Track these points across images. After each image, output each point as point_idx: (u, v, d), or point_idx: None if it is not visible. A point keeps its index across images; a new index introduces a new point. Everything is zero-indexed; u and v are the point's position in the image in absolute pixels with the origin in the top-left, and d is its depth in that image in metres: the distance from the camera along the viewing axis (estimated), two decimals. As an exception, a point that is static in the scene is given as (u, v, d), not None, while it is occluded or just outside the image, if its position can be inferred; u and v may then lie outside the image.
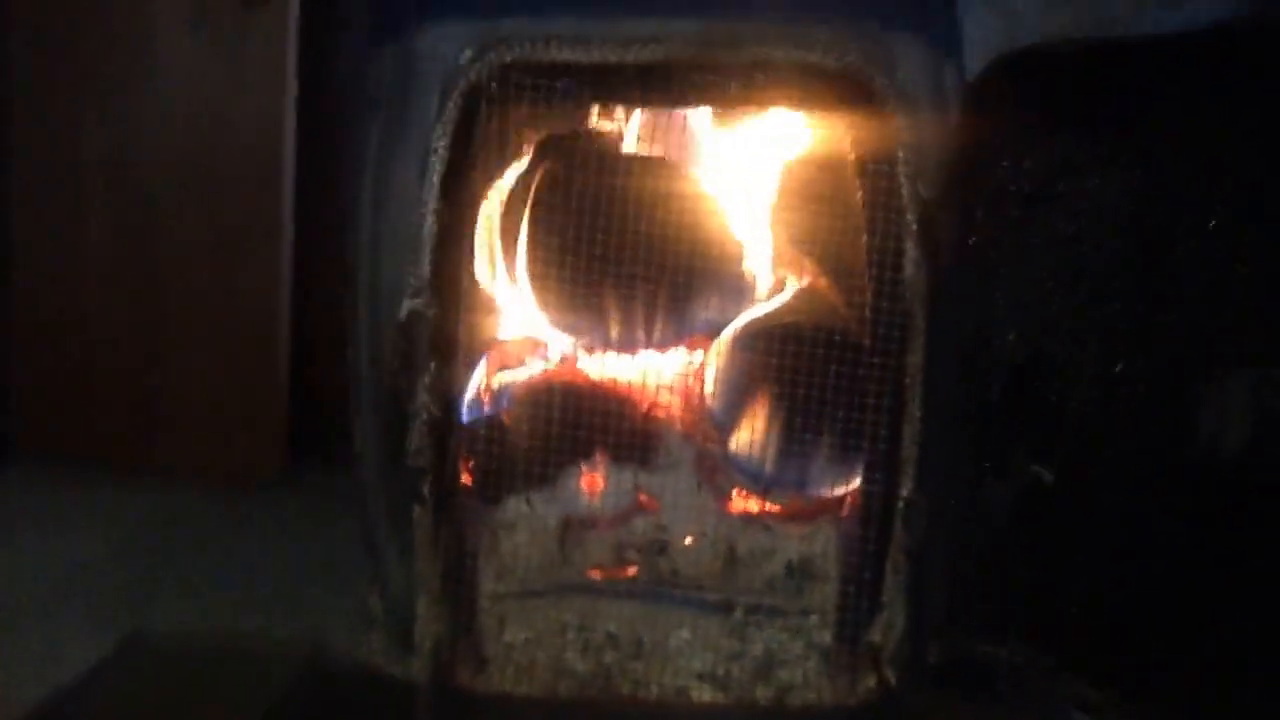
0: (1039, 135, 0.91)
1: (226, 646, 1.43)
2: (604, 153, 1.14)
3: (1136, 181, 0.84)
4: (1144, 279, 0.83)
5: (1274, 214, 0.74)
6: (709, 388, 1.23)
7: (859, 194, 1.04)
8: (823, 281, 1.17)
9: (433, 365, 1.02)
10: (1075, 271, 0.89)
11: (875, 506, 1.05)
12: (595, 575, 1.17)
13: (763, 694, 1.10)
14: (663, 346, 1.23)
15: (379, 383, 1.03)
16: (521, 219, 1.17)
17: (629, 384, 1.24)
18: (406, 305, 1.00)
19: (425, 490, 1.03)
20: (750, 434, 1.19)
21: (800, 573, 1.15)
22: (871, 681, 1.03)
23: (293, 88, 2.33)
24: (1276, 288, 0.73)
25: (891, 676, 1.02)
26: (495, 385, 1.22)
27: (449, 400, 1.03)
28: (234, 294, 2.52)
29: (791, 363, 1.11)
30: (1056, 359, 0.91)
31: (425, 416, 1.02)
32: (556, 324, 1.22)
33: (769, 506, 1.21)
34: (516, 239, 1.17)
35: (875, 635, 1.05)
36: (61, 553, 2.01)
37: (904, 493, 1.03)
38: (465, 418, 1.15)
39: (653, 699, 1.10)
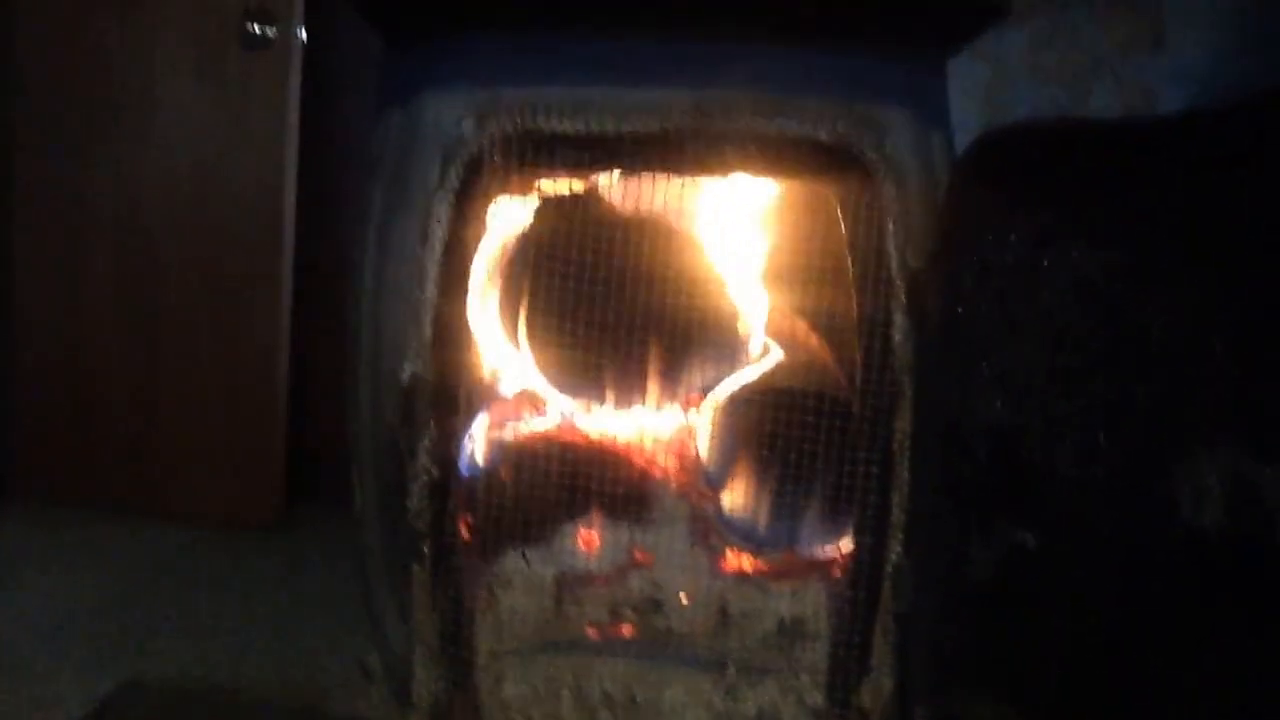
0: (1023, 209, 0.93)
1: (224, 695, 1.43)
2: (602, 218, 1.16)
3: (1114, 257, 0.86)
4: (1122, 353, 0.85)
5: (1246, 293, 0.76)
6: (702, 448, 1.25)
7: (849, 262, 1.06)
8: (815, 346, 1.20)
9: (433, 427, 1.03)
10: (1057, 343, 0.90)
11: (864, 569, 1.06)
12: (591, 633, 1.18)
13: None
14: (657, 406, 1.25)
15: (379, 443, 1.04)
16: (521, 280, 1.20)
17: (625, 443, 1.25)
18: (408, 368, 1.02)
19: (424, 550, 1.04)
20: (742, 494, 1.21)
21: (792, 631, 1.16)
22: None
23: (294, 139, 2.36)
24: (1250, 366, 0.75)
25: (881, 738, 1.03)
26: (494, 442, 1.24)
27: (448, 462, 1.05)
28: (234, 341, 2.54)
29: (783, 426, 1.13)
30: (1039, 428, 0.92)
31: (425, 478, 1.04)
32: (554, 383, 1.24)
33: (761, 565, 1.24)
34: (517, 300, 1.20)
35: (865, 698, 1.06)
36: (59, 595, 2.02)
37: (892, 556, 1.05)
38: (464, 473, 1.17)
39: None
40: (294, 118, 2.35)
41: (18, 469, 2.77)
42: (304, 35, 2.36)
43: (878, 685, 1.05)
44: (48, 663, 1.70)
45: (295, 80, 2.38)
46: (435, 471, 1.03)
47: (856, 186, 1.04)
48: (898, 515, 1.04)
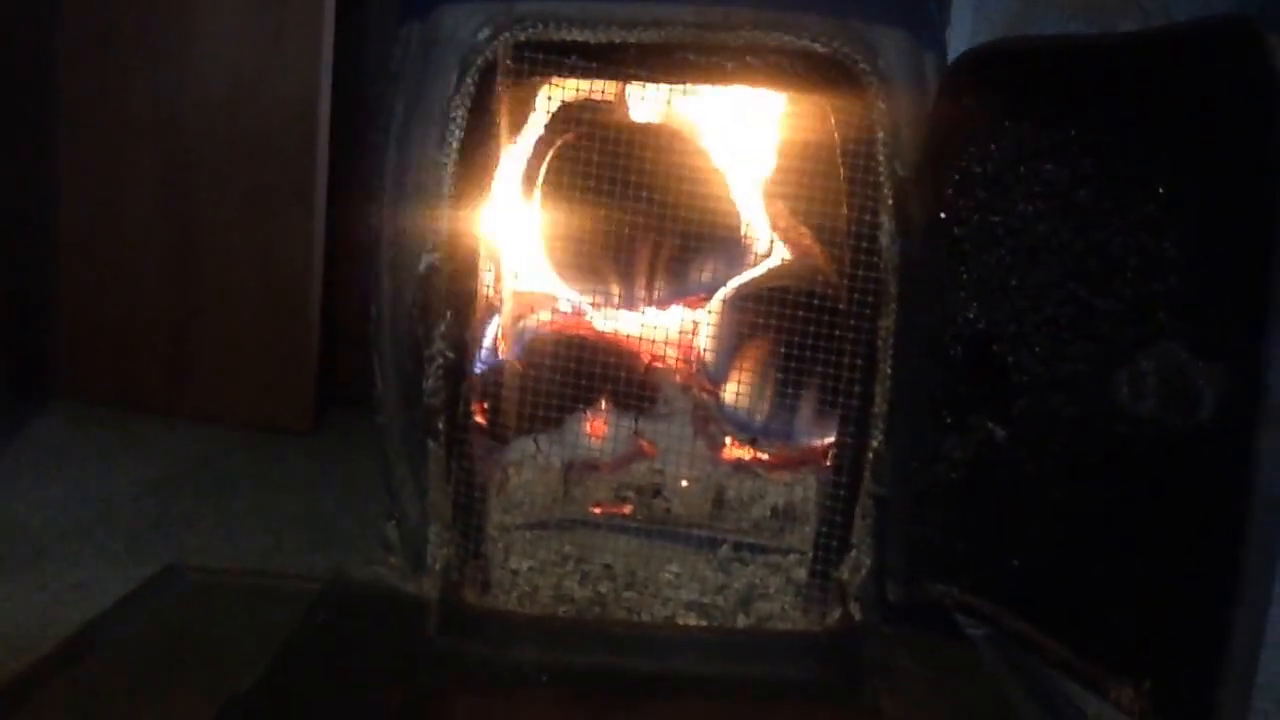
0: (1003, 123, 0.99)
1: (256, 579, 1.51)
2: (613, 124, 1.23)
3: (1083, 171, 0.92)
4: (1086, 260, 0.92)
5: (1194, 207, 0.82)
6: (704, 344, 1.32)
7: (841, 170, 1.13)
8: (811, 249, 1.27)
9: (448, 314, 1.11)
10: (1031, 250, 0.96)
11: (848, 457, 1.14)
12: (596, 512, 1.27)
13: (742, 622, 1.19)
14: (663, 304, 1.33)
15: (398, 331, 1.12)
16: (537, 184, 1.27)
17: (632, 338, 1.33)
18: (425, 260, 1.09)
19: (439, 427, 1.12)
20: (741, 387, 1.29)
21: (784, 516, 1.24)
22: (838, 614, 1.13)
23: (329, 54, 2.42)
24: (1192, 273, 0.82)
25: (856, 611, 1.12)
26: (511, 334, 1.32)
27: (462, 346, 1.12)
28: (269, 251, 2.63)
29: (777, 323, 1.20)
30: (1011, 331, 0.99)
31: (440, 361, 1.12)
32: (567, 281, 1.32)
33: (758, 455, 1.32)
34: (532, 202, 1.27)
35: (844, 573, 1.14)
36: (99, 489, 2.12)
37: (873, 444, 1.12)
38: (481, 364, 1.25)
39: (643, 624, 1.19)
40: (329, 34, 2.41)
41: (62, 372, 2.87)
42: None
43: (857, 562, 1.13)
44: (89, 551, 1.80)
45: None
46: (450, 354, 1.11)
47: (850, 99, 1.10)
48: (880, 406, 1.11)
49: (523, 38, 1.07)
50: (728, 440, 1.33)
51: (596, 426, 1.32)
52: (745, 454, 1.32)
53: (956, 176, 1.03)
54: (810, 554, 1.17)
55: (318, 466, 2.31)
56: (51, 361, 2.85)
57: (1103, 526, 0.90)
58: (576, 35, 1.06)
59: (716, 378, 1.31)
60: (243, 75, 2.61)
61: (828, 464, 1.19)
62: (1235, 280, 0.77)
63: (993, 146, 1.01)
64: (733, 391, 1.30)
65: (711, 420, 1.33)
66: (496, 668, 0.99)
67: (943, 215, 1.05)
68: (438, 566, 1.12)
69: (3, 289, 2.88)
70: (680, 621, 1.19)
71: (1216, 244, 0.81)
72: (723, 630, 1.13)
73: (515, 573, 1.21)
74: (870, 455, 1.12)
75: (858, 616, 1.11)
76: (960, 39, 3.97)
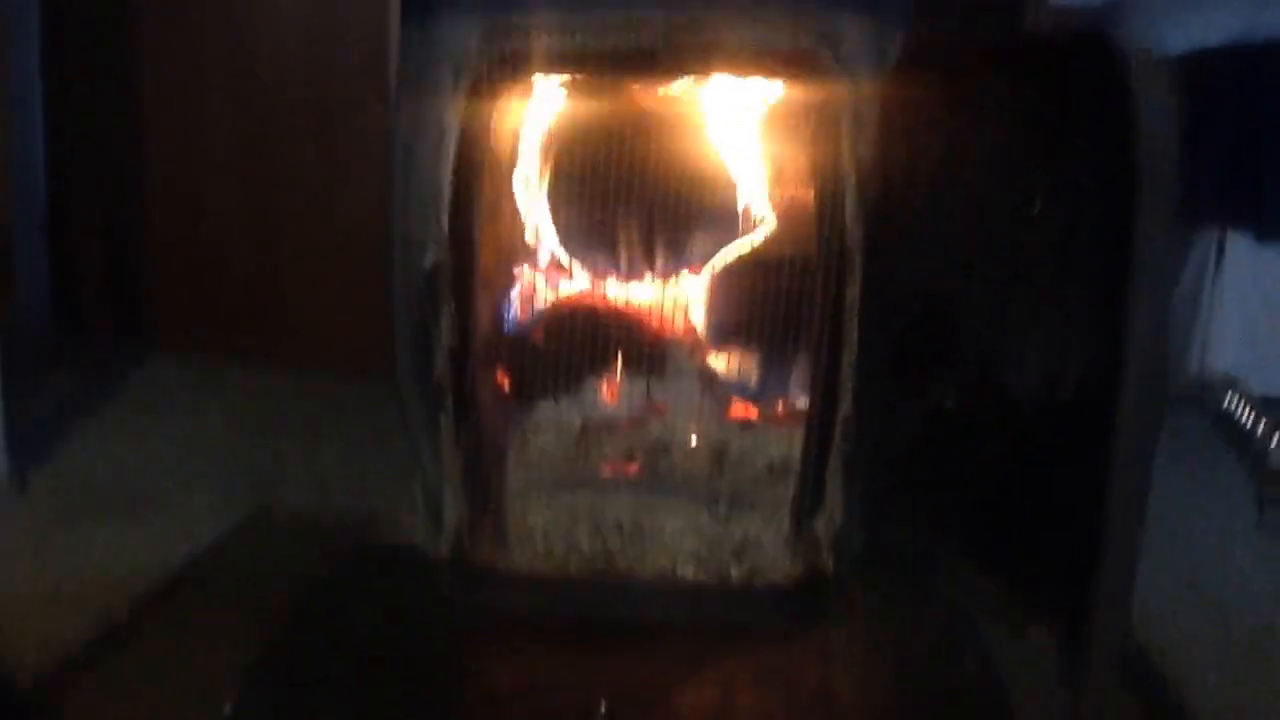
0: (943, 115, 1.07)
1: (338, 522, 1.64)
2: (609, 112, 1.32)
3: (1006, 164, 1.00)
4: (1007, 245, 1.00)
5: (1096, 204, 0.90)
6: (705, 310, 1.43)
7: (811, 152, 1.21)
8: (794, 220, 1.36)
9: (452, 304, 1.23)
10: (967, 233, 1.05)
11: (820, 417, 1.24)
12: (607, 471, 1.39)
13: (736, 572, 1.30)
14: (666, 274, 1.43)
15: (411, 319, 1.25)
16: (544, 168, 1.38)
17: (641, 306, 1.44)
18: (429, 257, 1.22)
19: (448, 404, 1.25)
20: (736, 350, 1.40)
21: (779, 471, 1.35)
22: (814, 563, 1.23)
23: (398, 8, 2.53)
24: (1067, 257, 0.90)
25: (829, 560, 1.22)
26: (529, 305, 1.44)
27: (465, 331, 1.25)
28: (346, 197, 2.74)
29: (764, 289, 1.30)
30: (958, 302, 1.08)
31: (446, 345, 1.24)
32: (577, 256, 1.43)
33: (757, 414, 1.42)
34: (537, 189, 1.38)
35: (819, 526, 1.24)
36: (197, 436, 2.27)
37: (843, 407, 1.22)
38: (506, 332, 1.37)
39: (647, 574, 1.31)
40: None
41: (160, 326, 3.04)
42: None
43: (830, 516, 1.24)
44: (186, 496, 1.93)
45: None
46: (454, 340, 1.23)
47: (815, 87, 1.18)
48: (847, 372, 1.21)
49: (509, 46, 1.17)
50: (732, 401, 1.43)
51: (611, 389, 1.44)
52: (746, 412, 1.42)
53: (905, 161, 1.11)
54: (790, 509, 1.27)
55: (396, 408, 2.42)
56: (151, 317, 3.03)
57: (1023, 484, 1.00)
58: (558, 44, 1.16)
59: (714, 341, 1.42)
60: (315, 23, 2.72)
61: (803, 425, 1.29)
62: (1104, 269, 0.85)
63: (936, 135, 1.09)
64: (731, 355, 1.40)
65: (715, 381, 1.43)
66: (496, 619, 1.12)
67: (897, 193, 1.13)
68: (451, 525, 1.25)
69: (100, 246, 3.08)
70: (679, 572, 1.30)
71: (1085, 237, 0.89)
72: (702, 582, 1.25)
73: (533, 528, 1.33)
74: (840, 418, 1.22)
75: (830, 566, 1.21)
76: None
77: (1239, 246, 2.69)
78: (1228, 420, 0.94)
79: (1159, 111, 0.77)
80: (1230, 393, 0.94)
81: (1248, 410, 0.94)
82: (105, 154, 3.05)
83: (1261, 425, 0.93)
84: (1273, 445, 0.91)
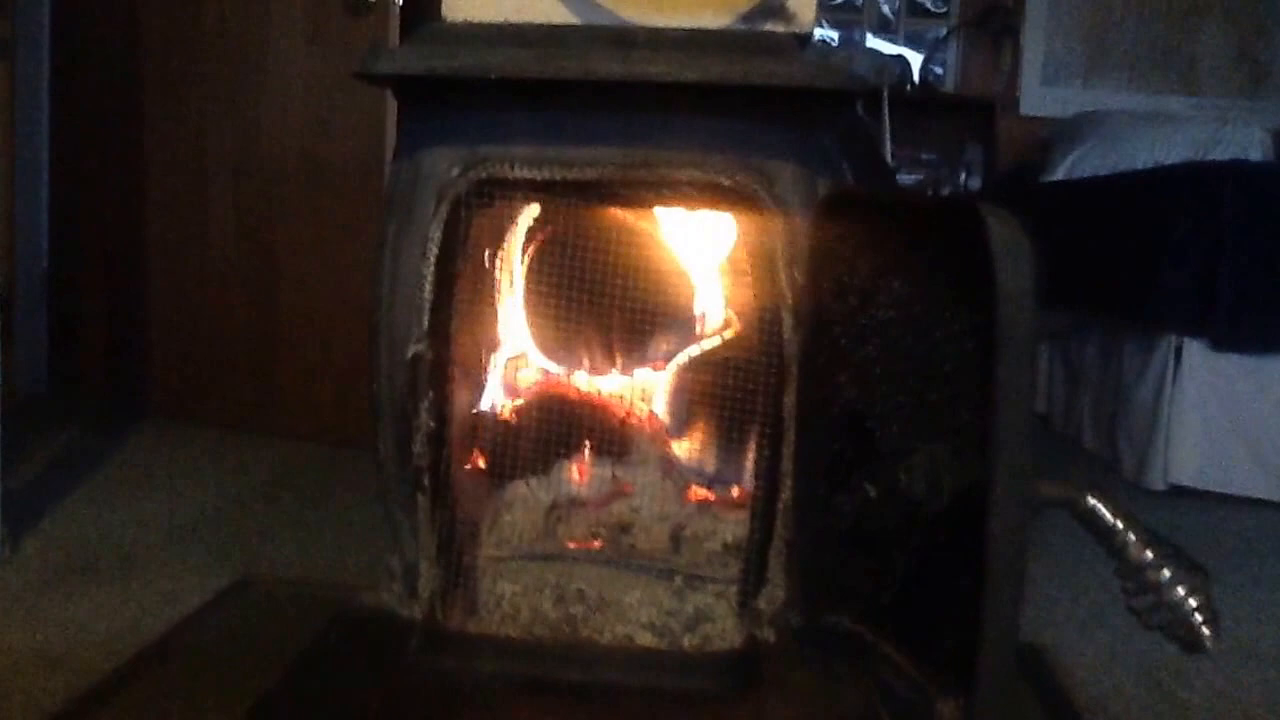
0: (864, 245, 1.22)
1: (319, 590, 1.72)
2: (579, 227, 1.48)
3: (918, 292, 1.15)
4: (920, 361, 1.15)
5: (970, 333, 1.05)
6: (666, 402, 1.58)
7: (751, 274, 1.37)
8: (742, 330, 1.51)
9: (430, 392, 1.38)
10: (889, 349, 1.20)
11: (763, 504, 1.38)
12: (572, 546, 1.51)
13: (689, 641, 1.42)
14: (629, 370, 1.58)
15: (394, 405, 1.39)
16: (515, 279, 1.54)
17: (608, 397, 1.59)
18: (411, 349, 1.36)
19: (425, 483, 1.39)
20: (693, 440, 1.54)
21: (732, 550, 1.48)
22: (756, 635, 1.37)
23: (394, 103, 2.61)
24: (959, 385, 1.05)
25: (770, 634, 1.36)
26: (505, 395, 1.59)
27: (443, 417, 1.39)
28: (342, 274, 2.86)
29: (716, 388, 1.45)
30: (878, 410, 1.22)
31: (425, 430, 1.38)
32: (548, 353, 1.58)
33: (714, 498, 1.57)
34: (511, 294, 1.54)
35: (762, 603, 1.38)
36: (184, 503, 2.35)
37: (784, 495, 1.36)
38: (482, 418, 1.52)
39: (605, 641, 1.42)
40: None
41: (155, 392, 3.15)
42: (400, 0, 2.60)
43: (772, 594, 1.37)
44: (175, 561, 2.00)
45: (394, 40, 2.63)
46: (432, 424, 1.38)
47: (754, 219, 1.35)
48: (787, 465, 1.35)
49: (484, 175, 1.33)
50: (692, 485, 1.57)
51: (580, 471, 1.58)
52: (704, 496, 1.57)
53: (833, 286, 1.27)
54: (738, 586, 1.41)
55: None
56: (147, 383, 3.14)
57: (935, 567, 1.14)
58: (527, 173, 1.33)
59: (674, 431, 1.57)
60: (314, 111, 2.86)
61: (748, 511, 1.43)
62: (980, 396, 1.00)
63: (860, 263, 1.24)
64: (687, 443, 1.55)
65: (675, 467, 1.58)
66: (462, 678, 1.26)
67: (824, 317, 1.29)
68: (425, 594, 1.38)
69: (102, 317, 3.21)
70: (637, 640, 1.42)
71: (973, 366, 1.05)
72: (650, 649, 1.38)
73: (501, 596, 1.46)
74: (780, 505, 1.36)
75: (771, 639, 1.35)
76: (1036, 44, 4.13)
77: (1195, 351, 2.87)
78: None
79: (1017, 282, 0.92)
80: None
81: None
82: (112, 239, 3.17)
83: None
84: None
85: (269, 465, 2.70)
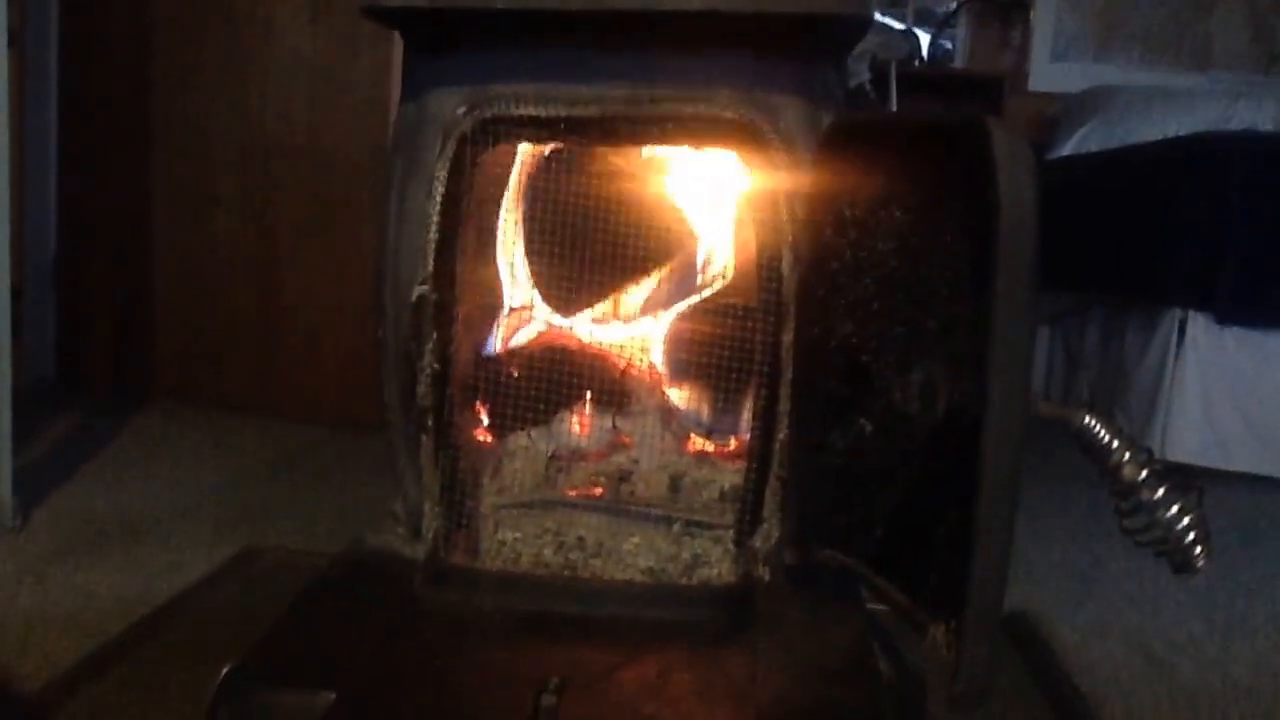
0: (864, 178, 1.24)
1: (321, 559, 1.75)
2: (583, 171, 1.49)
3: (914, 219, 1.17)
4: (915, 291, 1.16)
5: (967, 254, 1.06)
6: (667, 351, 1.59)
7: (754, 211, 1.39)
8: (739, 273, 1.53)
9: (435, 335, 1.39)
10: (884, 281, 1.21)
11: (760, 446, 1.39)
12: (572, 494, 1.53)
13: (686, 585, 1.44)
14: (630, 319, 1.60)
15: (399, 348, 1.41)
16: (521, 220, 1.55)
17: (610, 347, 1.60)
18: (416, 291, 1.38)
19: (429, 424, 1.40)
20: (693, 388, 1.56)
21: (729, 497, 1.50)
22: (751, 573, 1.38)
23: (397, 76, 2.60)
24: (952, 307, 1.06)
25: (765, 573, 1.37)
26: (508, 344, 1.60)
27: (447, 360, 1.40)
28: (345, 256, 2.90)
29: (716, 334, 1.46)
30: (873, 346, 1.23)
31: (429, 372, 1.39)
32: (549, 301, 1.59)
33: (712, 447, 1.58)
34: (519, 234, 1.55)
35: (757, 541, 1.39)
36: (190, 480, 2.40)
37: (780, 434, 1.37)
38: (483, 369, 1.53)
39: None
40: (398, 58, 2.61)
41: (160, 373, 3.18)
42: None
43: (767, 532, 1.38)
44: (181, 535, 2.05)
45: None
46: (436, 366, 1.39)
47: (757, 155, 1.35)
48: (784, 404, 1.36)
49: (490, 114, 1.35)
50: (691, 434, 1.59)
51: (581, 422, 1.59)
52: (703, 446, 1.58)
53: (832, 220, 1.28)
54: (735, 527, 1.42)
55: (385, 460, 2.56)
56: (152, 366, 3.18)
57: (926, 498, 1.15)
58: (532, 111, 1.34)
59: (673, 380, 1.58)
60: (317, 94, 2.89)
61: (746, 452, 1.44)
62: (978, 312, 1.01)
63: (859, 196, 1.26)
64: (686, 392, 1.57)
65: (674, 417, 1.59)
66: (464, 611, 1.27)
67: (823, 252, 1.30)
68: (429, 535, 1.40)
69: (110, 300, 3.24)
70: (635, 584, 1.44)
71: (971, 283, 1.06)
72: (646, 584, 1.39)
73: (503, 543, 1.47)
74: (777, 445, 1.37)
75: (766, 577, 1.36)
76: (1046, 20, 4.13)
77: (1198, 327, 2.87)
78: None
79: (1018, 192, 0.93)
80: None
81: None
82: (118, 223, 3.20)
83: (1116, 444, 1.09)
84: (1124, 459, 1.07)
85: (272, 446, 2.75)
